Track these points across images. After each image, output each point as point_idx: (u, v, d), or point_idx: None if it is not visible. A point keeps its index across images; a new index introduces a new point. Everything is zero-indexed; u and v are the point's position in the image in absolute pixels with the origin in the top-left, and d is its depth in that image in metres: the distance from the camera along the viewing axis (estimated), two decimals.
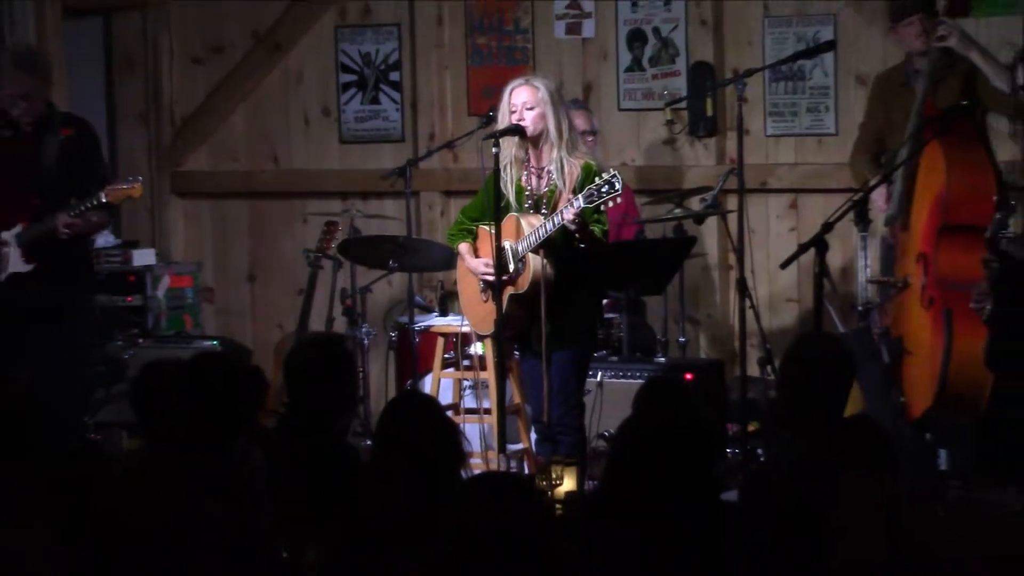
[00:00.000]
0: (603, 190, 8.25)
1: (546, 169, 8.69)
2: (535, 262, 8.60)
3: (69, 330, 9.36)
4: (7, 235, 9.29)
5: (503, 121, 8.67)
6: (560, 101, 8.75)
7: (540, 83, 8.72)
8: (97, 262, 11.25)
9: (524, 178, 8.72)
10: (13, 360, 9.20)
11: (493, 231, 8.54)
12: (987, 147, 8.82)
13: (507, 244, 8.60)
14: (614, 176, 8.29)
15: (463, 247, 8.91)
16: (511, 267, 8.61)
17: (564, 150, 8.62)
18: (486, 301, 8.83)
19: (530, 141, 8.64)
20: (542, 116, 8.61)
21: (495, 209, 8.56)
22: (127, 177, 9.24)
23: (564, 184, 8.58)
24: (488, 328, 8.90)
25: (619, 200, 8.57)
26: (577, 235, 8.42)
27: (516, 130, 8.60)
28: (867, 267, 9.56)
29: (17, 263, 9.27)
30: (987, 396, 8.57)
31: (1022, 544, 4.35)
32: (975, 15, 9.57)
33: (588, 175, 8.46)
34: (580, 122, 9.70)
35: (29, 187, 9.32)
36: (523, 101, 8.62)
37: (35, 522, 5.38)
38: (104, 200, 9.07)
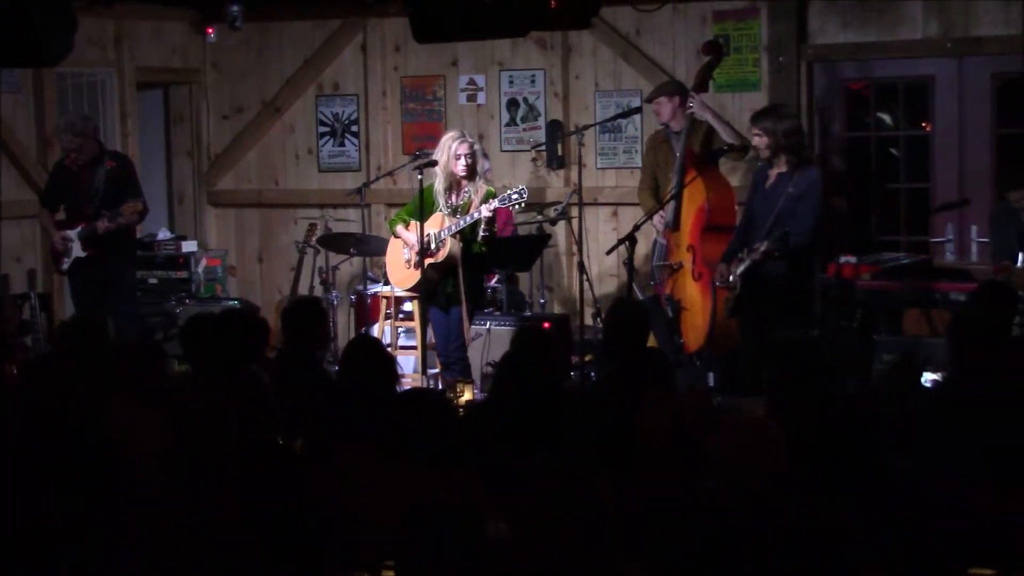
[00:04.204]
0: (513, 197, 8.54)
1: (464, 189, 8.73)
2: (452, 243, 8.65)
3: (118, 291, 9.55)
4: (71, 233, 9.44)
5: (441, 158, 8.70)
6: (481, 149, 8.89)
7: (472, 139, 8.86)
8: (157, 249, 11.30)
9: (449, 194, 8.76)
10: (96, 309, 9.23)
11: (418, 225, 8.58)
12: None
13: (431, 231, 8.64)
14: (522, 190, 8.62)
15: (399, 228, 8.96)
16: (433, 245, 8.66)
17: (478, 178, 8.70)
18: (408, 268, 8.90)
19: (466, 177, 8.70)
20: (475, 163, 8.72)
21: (420, 211, 8.58)
22: (137, 198, 9.41)
23: (474, 198, 8.65)
24: (405, 286, 9.06)
25: (522, 205, 8.67)
26: (484, 226, 8.55)
27: (432, 163, 8.70)
28: (656, 255, 9.64)
29: (78, 251, 9.43)
30: (736, 336, 8.68)
31: (761, 433, 4.41)
32: (715, 92, 9.60)
33: (489, 195, 8.62)
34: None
35: (86, 201, 9.41)
36: (465, 152, 8.66)
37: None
38: (121, 212, 9.25)
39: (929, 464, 5.10)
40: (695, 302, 8.87)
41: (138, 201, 9.36)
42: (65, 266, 9.51)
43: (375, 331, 9.76)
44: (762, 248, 8.10)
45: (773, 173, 8.36)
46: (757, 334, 8.26)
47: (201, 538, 4.10)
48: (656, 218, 9.43)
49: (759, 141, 8.34)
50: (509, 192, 8.55)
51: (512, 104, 11.08)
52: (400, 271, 9.01)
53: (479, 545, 3.52)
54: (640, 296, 9.57)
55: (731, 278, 8.31)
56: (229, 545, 4.11)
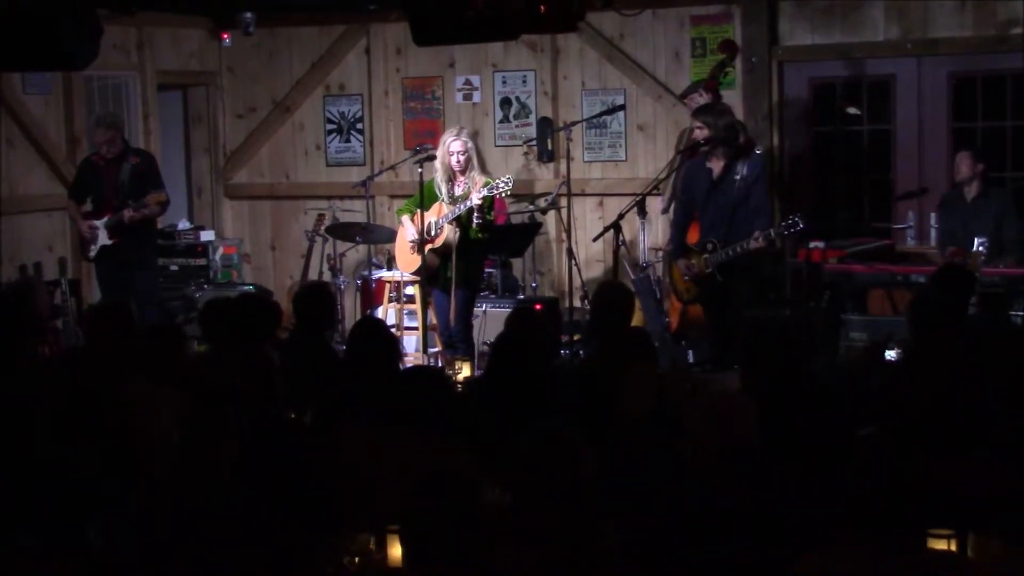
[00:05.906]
0: (499, 185, 8.47)
1: (463, 181, 8.71)
2: (448, 230, 8.65)
3: (141, 277, 9.52)
4: (98, 223, 9.43)
5: (439, 152, 8.76)
6: (475, 146, 8.82)
7: (466, 137, 8.81)
8: (178, 238, 11.31)
9: (451, 185, 8.74)
10: (121, 294, 9.27)
11: (420, 214, 8.56)
12: None
13: (432, 219, 8.65)
14: (508, 179, 8.61)
15: (405, 218, 8.97)
16: (432, 232, 8.65)
17: (474, 171, 8.67)
18: (412, 253, 8.87)
19: (460, 171, 8.67)
20: (469, 158, 8.69)
21: (421, 202, 8.60)
22: (160, 190, 9.42)
23: (472, 188, 8.63)
24: (410, 269, 9.03)
25: (508, 193, 8.67)
26: (477, 213, 8.52)
27: (430, 157, 8.75)
28: (645, 240, 9.62)
29: (104, 239, 9.41)
30: (702, 319, 8.69)
31: (737, 405, 4.41)
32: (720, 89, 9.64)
33: (486, 184, 8.57)
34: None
35: (112, 193, 9.42)
36: (458, 150, 8.67)
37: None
38: (146, 203, 9.26)
39: (891, 432, 5.10)
40: (677, 286, 8.88)
41: (162, 192, 9.41)
42: (92, 253, 9.53)
43: (379, 313, 9.75)
44: (770, 234, 8.05)
45: (715, 165, 8.32)
46: (726, 315, 8.26)
47: (214, 503, 4.09)
48: (660, 200, 9.51)
49: (700, 133, 8.32)
50: (496, 181, 8.55)
51: (505, 102, 11.06)
52: (406, 256, 9.04)
53: (476, 509, 3.52)
54: (632, 276, 9.57)
55: (709, 269, 8.28)
56: (242, 510, 4.09)
